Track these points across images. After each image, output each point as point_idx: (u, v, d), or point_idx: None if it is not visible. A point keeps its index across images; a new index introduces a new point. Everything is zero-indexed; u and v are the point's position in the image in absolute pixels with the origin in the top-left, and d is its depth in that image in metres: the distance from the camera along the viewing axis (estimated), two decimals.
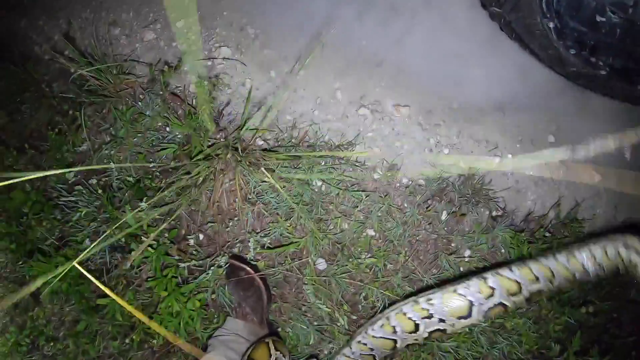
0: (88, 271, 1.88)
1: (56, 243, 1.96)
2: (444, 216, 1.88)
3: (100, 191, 1.98)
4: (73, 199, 1.98)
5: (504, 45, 2.02)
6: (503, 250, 1.92)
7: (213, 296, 1.89)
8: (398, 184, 1.93)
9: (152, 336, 1.94)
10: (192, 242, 1.99)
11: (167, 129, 2.03)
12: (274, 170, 1.88)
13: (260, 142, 2.01)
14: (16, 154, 2.15)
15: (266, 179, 1.80)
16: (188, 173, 1.96)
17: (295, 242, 1.87)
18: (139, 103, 2.03)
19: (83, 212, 1.95)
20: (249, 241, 1.91)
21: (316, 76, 2.04)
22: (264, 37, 2.10)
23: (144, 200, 1.88)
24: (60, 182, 2.05)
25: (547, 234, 1.95)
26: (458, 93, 2.06)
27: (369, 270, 1.89)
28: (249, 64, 2.07)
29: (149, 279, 1.92)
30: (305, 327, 1.90)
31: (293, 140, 1.96)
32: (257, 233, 1.91)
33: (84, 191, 1.97)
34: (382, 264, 1.86)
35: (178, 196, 1.95)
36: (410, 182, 1.91)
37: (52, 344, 2.07)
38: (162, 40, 2.16)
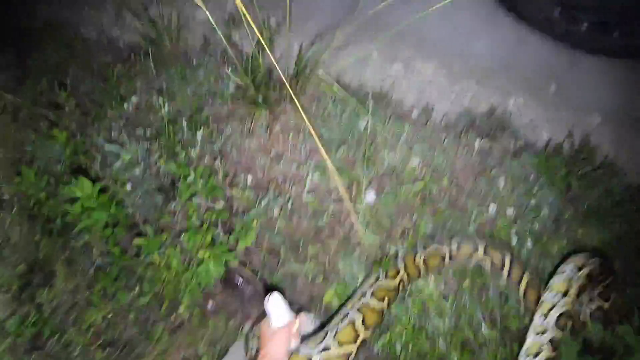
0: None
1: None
2: (477, 144, 2.11)
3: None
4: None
5: (503, 20, 2.48)
6: (533, 175, 2.14)
7: None
8: (433, 122, 2.18)
9: None
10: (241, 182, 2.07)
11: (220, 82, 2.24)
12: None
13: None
14: None
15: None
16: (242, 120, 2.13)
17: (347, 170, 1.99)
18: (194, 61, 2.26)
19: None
20: (304, 175, 2.02)
21: (354, 41, 2.36)
22: (306, 10, 2.43)
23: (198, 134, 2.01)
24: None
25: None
26: (470, 56, 2.44)
27: (416, 197, 2.02)
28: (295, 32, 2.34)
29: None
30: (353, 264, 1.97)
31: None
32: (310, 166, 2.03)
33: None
34: (429, 188, 2.01)
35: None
36: (444, 117, 2.16)
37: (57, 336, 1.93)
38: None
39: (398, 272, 1.79)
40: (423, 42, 2.41)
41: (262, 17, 2.36)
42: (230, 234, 1.97)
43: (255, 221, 1.98)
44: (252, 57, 2.08)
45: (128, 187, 2.07)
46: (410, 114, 2.16)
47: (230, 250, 2.00)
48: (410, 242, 1.95)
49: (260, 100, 2.05)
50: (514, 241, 1.97)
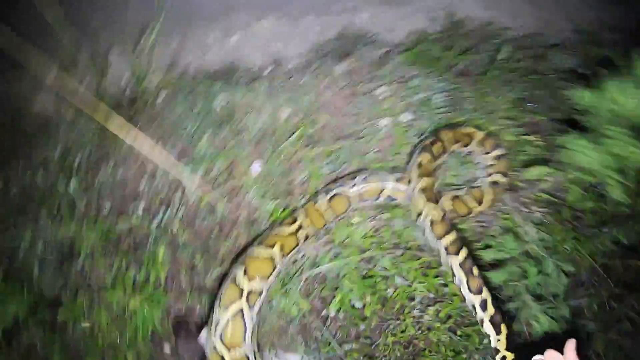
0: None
1: None
2: (338, 69, 2.03)
3: None
4: None
5: None
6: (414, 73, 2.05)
7: None
8: (287, 70, 2.09)
9: None
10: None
11: None
12: None
13: None
14: None
15: None
16: None
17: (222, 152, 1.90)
18: None
19: None
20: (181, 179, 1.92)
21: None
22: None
23: None
24: None
25: None
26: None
27: (300, 147, 1.92)
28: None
29: None
30: None
31: None
32: None
33: None
34: (308, 133, 1.91)
35: None
36: (296, 60, 2.08)
37: None
38: None
39: (295, 220, 1.69)
40: (252, 5, 2.33)
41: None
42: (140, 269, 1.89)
43: (160, 247, 1.89)
44: None
45: (36, 268, 1.99)
46: (263, 73, 2.08)
47: (156, 288, 1.92)
48: (311, 192, 1.87)
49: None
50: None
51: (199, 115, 1.98)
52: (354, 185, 1.79)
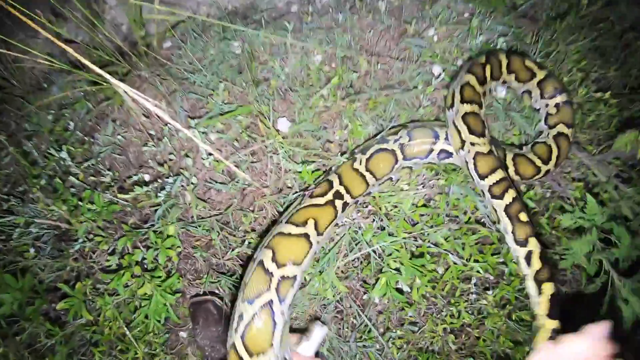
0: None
1: None
2: (382, 3, 1.63)
3: None
4: None
5: None
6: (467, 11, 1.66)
7: None
8: (319, 6, 1.71)
9: None
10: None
11: None
12: None
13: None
14: None
15: None
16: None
17: (242, 106, 1.55)
18: None
19: None
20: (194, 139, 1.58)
21: None
22: None
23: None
24: None
25: None
26: None
27: (337, 98, 1.56)
28: None
29: None
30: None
31: None
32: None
33: None
34: (347, 80, 1.55)
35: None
36: None
37: None
38: None
39: (331, 186, 1.37)
40: None
41: None
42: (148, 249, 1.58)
43: (170, 223, 1.57)
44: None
45: (31, 251, 1.71)
46: (290, 9, 1.70)
47: (168, 275, 1.62)
48: (350, 151, 1.52)
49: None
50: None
51: (213, 62, 1.61)
52: (398, 139, 1.44)
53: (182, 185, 1.57)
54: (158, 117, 1.65)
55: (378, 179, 1.44)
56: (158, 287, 1.54)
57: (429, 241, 1.52)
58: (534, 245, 1.34)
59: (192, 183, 1.56)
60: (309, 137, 1.52)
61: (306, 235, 1.30)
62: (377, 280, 1.47)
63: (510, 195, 1.37)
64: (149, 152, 1.63)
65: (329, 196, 1.36)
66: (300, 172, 1.47)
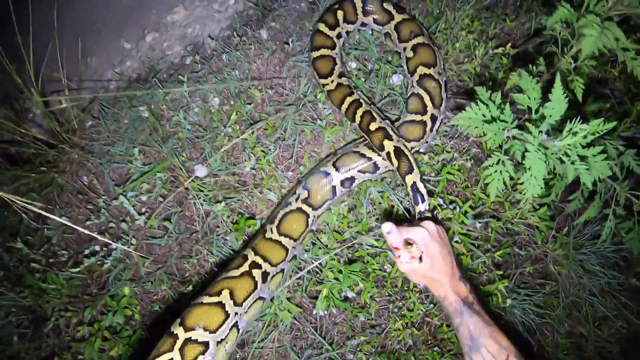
0: None
1: None
2: (264, 33, 1.73)
3: None
4: None
5: None
6: None
7: None
8: (207, 51, 1.82)
9: None
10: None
11: None
12: None
13: None
14: None
15: None
16: None
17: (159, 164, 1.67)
18: None
19: None
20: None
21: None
22: None
23: None
24: None
25: None
26: None
27: (237, 137, 1.65)
28: None
29: None
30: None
31: None
32: None
33: None
34: (239, 113, 1.64)
35: None
36: (218, 37, 1.80)
37: None
38: None
39: (245, 260, 1.41)
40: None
41: None
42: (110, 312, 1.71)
43: (124, 284, 1.69)
44: None
45: (15, 338, 1.82)
46: (184, 63, 1.82)
47: (134, 332, 1.73)
48: (264, 178, 1.59)
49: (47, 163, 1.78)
50: None
51: (127, 131, 1.75)
52: (298, 196, 1.48)
53: (125, 248, 1.70)
54: (92, 191, 1.80)
55: (297, 239, 1.46)
56: (125, 345, 1.66)
57: (363, 244, 1.58)
58: (388, 146, 1.42)
59: (131, 244, 1.68)
60: (223, 175, 1.62)
61: (221, 304, 1.33)
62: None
63: (359, 113, 1.49)
64: (93, 225, 1.77)
65: (245, 267, 1.38)
66: (219, 210, 1.57)
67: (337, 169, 1.47)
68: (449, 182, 1.60)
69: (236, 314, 1.36)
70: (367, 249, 1.57)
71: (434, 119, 1.53)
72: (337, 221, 1.59)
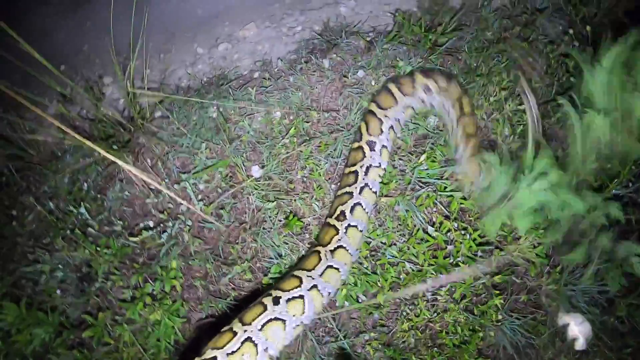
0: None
1: None
2: (326, 63, 2.04)
3: None
4: None
5: None
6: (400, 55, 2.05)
7: None
8: (275, 71, 2.11)
9: None
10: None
11: None
12: None
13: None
14: None
15: None
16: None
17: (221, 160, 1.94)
18: None
19: None
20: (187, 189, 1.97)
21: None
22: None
23: None
24: None
25: None
26: None
27: (297, 144, 1.94)
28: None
29: None
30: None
31: None
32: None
33: None
34: (302, 128, 1.93)
35: None
36: (284, 59, 2.10)
37: None
38: None
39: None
40: (235, 12, 2.35)
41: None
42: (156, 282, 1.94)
43: (172, 259, 1.94)
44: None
45: (58, 292, 2.07)
46: (252, 77, 2.10)
47: (174, 302, 1.97)
48: (315, 187, 1.88)
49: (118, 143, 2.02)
50: None
51: (195, 126, 2.01)
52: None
53: (180, 227, 1.94)
54: (156, 174, 2.04)
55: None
56: (166, 312, 1.89)
57: (386, 254, 1.86)
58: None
59: (187, 225, 1.93)
60: (277, 178, 1.89)
61: None
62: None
63: None
64: (151, 203, 2.01)
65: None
66: (269, 209, 1.84)
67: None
68: (463, 211, 1.91)
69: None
70: (389, 258, 1.86)
71: None
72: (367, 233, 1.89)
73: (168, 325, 1.92)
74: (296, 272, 1.69)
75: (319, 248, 1.72)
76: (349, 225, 1.75)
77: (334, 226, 1.74)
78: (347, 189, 1.77)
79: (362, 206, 1.78)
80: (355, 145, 1.82)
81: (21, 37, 1.67)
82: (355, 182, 1.77)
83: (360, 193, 1.78)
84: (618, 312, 1.91)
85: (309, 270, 1.68)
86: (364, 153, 1.79)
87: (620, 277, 1.75)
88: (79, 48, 2.38)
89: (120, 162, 1.53)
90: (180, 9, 2.35)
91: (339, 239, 1.73)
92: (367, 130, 1.81)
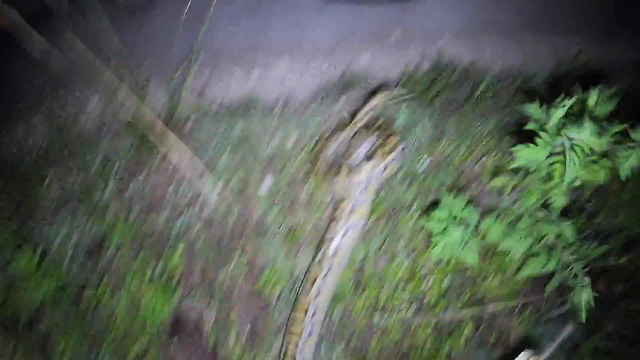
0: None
1: None
2: (338, 105, 2.44)
3: None
4: None
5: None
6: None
7: None
8: (297, 105, 2.51)
9: None
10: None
11: None
12: None
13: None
14: None
15: None
16: None
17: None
18: None
19: None
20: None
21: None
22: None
23: None
24: None
25: None
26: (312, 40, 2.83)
27: (306, 164, 2.29)
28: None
29: None
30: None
31: None
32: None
33: None
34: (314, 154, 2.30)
35: None
36: (305, 96, 2.51)
37: None
38: None
39: None
40: (271, 46, 2.77)
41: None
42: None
43: (179, 245, 2.23)
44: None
45: (70, 252, 2.31)
46: (276, 105, 2.51)
47: (168, 280, 2.21)
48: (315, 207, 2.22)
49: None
50: None
51: (221, 137, 2.37)
52: None
53: (193, 218, 2.26)
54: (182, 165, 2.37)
55: None
56: (157, 290, 2.13)
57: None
58: None
59: (200, 216, 2.25)
60: (285, 190, 2.25)
61: None
62: None
63: None
64: (173, 191, 2.32)
65: None
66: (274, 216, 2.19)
67: None
68: None
69: None
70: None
71: None
72: None
73: (157, 305, 2.16)
74: None
75: None
76: None
77: None
78: None
79: None
80: None
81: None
82: None
83: None
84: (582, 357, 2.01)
85: None
86: None
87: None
88: (132, 52, 2.76)
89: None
90: (229, 33, 2.77)
91: None
92: None
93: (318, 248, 2.07)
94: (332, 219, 2.09)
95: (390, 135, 2.20)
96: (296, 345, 1.97)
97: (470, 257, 1.96)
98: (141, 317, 2.19)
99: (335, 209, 2.10)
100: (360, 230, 2.11)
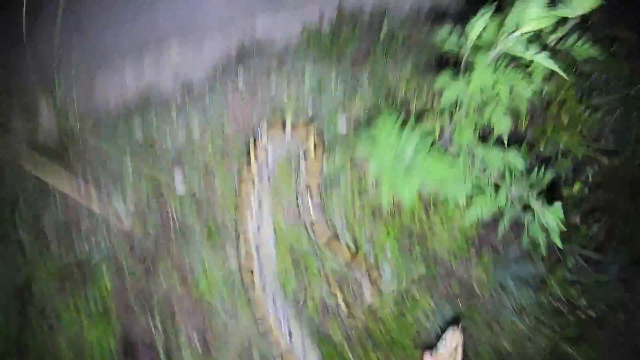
0: None
1: None
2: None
3: None
4: None
5: None
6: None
7: None
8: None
9: None
10: None
11: None
12: None
13: None
14: None
15: None
16: None
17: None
18: None
19: None
20: None
21: None
22: None
23: None
24: None
25: None
26: None
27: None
28: None
29: None
30: None
31: None
32: None
33: None
34: None
35: None
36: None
37: None
38: None
39: None
40: (160, 37, 2.49)
41: None
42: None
43: (106, 276, 2.06)
44: None
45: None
46: (175, 99, 2.27)
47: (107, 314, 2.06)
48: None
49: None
50: None
51: (122, 147, 2.16)
52: None
53: (112, 246, 2.08)
54: (87, 193, 2.17)
55: None
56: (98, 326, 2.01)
57: None
58: None
59: (119, 243, 2.07)
60: (200, 192, 2.08)
61: None
62: None
63: None
64: (85, 223, 2.13)
65: None
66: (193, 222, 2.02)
67: None
68: None
69: None
70: None
71: None
72: None
73: (102, 340, 2.03)
74: None
75: None
76: None
77: None
78: None
79: None
80: None
81: None
82: None
83: None
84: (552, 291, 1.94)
85: None
86: None
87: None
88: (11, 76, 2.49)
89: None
90: (115, 33, 2.49)
91: None
92: None
93: (238, 239, 1.95)
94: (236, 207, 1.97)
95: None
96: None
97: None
98: (88, 356, 2.07)
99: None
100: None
